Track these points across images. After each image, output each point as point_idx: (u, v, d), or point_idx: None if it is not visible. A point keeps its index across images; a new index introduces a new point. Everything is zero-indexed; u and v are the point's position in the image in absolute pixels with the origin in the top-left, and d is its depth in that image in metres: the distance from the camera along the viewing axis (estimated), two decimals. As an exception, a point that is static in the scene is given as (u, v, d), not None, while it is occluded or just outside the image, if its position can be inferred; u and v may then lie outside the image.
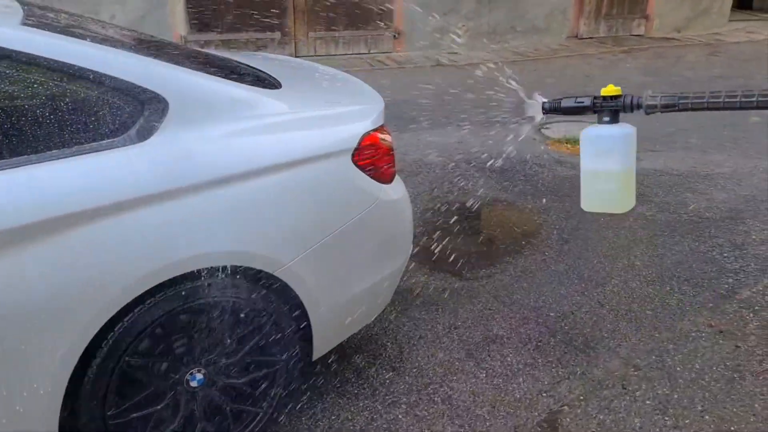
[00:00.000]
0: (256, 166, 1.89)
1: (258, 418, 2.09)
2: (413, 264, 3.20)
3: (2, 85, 1.62)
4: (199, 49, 2.82)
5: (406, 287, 3.09)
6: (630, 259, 3.42)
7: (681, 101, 1.46)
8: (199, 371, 1.92)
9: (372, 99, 2.37)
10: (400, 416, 2.31)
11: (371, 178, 2.14)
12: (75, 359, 1.67)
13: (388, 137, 2.21)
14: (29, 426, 1.67)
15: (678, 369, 2.55)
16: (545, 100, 1.60)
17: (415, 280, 3.20)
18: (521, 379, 2.51)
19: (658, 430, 2.25)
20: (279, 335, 2.01)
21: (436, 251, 3.45)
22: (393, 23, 8.82)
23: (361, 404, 2.36)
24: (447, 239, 3.57)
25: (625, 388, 2.45)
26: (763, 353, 2.63)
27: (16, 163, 1.57)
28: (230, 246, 1.86)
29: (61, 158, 1.62)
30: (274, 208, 1.94)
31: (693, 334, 2.78)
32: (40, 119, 1.63)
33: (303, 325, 2.07)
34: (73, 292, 1.62)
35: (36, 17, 1.89)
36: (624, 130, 1.54)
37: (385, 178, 2.21)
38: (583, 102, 1.55)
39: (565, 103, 1.58)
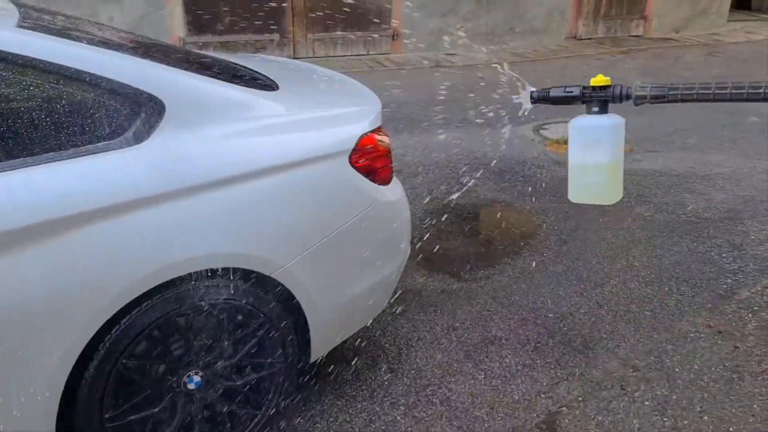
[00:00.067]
0: (254, 167, 1.89)
1: (256, 420, 2.08)
2: (411, 265, 3.19)
3: (-2, 88, 1.62)
4: (196, 51, 2.81)
5: (405, 288, 3.09)
6: (628, 260, 3.42)
7: (671, 92, 1.45)
8: (196, 373, 1.91)
9: (369, 100, 2.37)
10: (398, 418, 2.31)
11: (369, 179, 2.14)
12: (72, 361, 1.66)
13: (385, 138, 2.21)
14: (26, 428, 1.67)
15: (677, 370, 2.55)
16: (533, 89, 1.59)
17: (414, 281, 3.19)
18: (520, 381, 2.51)
19: (656, 430, 2.24)
20: (277, 337, 2.01)
21: (434, 252, 3.45)
22: (391, 25, 8.82)
23: (359, 406, 2.36)
24: (445, 240, 3.57)
25: (624, 389, 2.44)
26: (762, 354, 2.63)
27: (12, 166, 1.56)
28: (227, 248, 1.86)
29: (58, 161, 1.62)
30: (271, 210, 1.94)
31: (692, 334, 2.77)
32: (37, 122, 1.63)
33: (301, 326, 2.07)
34: (70, 294, 1.62)
35: (32, 19, 1.89)
36: (613, 121, 1.54)
37: (382, 180, 2.21)
38: (572, 91, 1.55)
39: (553, 93, 1.57)
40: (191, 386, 1.91)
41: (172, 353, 1.87)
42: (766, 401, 2.37)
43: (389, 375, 2.53)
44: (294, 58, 7.94)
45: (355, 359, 2.58)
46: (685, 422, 2.28)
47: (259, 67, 2.45)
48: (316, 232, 2.02)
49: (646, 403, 2.37)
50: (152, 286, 1.73)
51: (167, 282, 1.76)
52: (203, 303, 1.84)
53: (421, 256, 3.33)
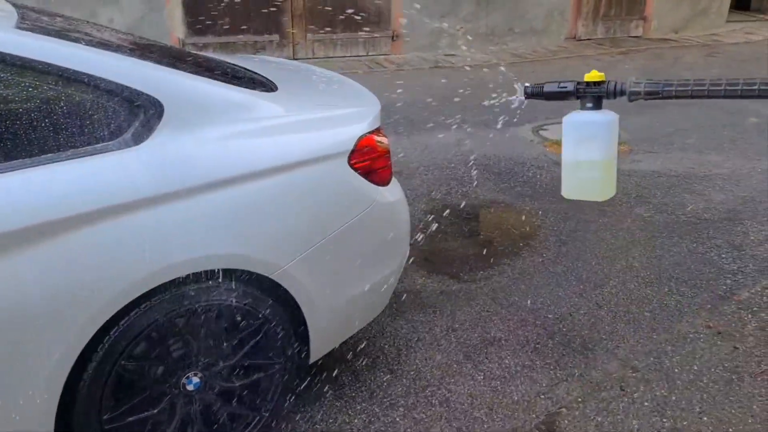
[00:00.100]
0: (253, 169, 1.89)
1: (255, 421, 2.08)
2: (411, 266, 3.19)
3: (-3, 89, 1.62)
4: (195, 52, 2.81)
5: (404, 289, 3.09)
6: (628, 261, 3.42)
7: (665, 88, 1.44)
8: (195, 375, 1.91)
9: (368, 101, 2.37)
10: (397, 419, 2.31)
11: (368, 180, 2.14)
12: (71, 362, 1.67)
13: (384, 139, 2.21)
14: (25, 429, 1.67)
15: (676, 370, 2.55)
16: (527, 84, 1.59)
17: (413, 282, 3.19)
18: (519, 382, 2.50)
19: (656, 431, 2.24)
20: (276, 338, 2.01)
21: (433, 253, 3.45)
22: (391, 25, 8.82)
23: (358, 407, 2.36)
24: (445, 241, 3.57)
25: (624, 390, 2.44)
26: (762, 354, 2.63)
27: (11, 167, 1.56)
28: (226, 249, 1.86)
29: (57, 162, 1.62)
30: (270, 211, 1.94)
31: (691, 335, 2.77)
32: (35, 123, 1.63)
33: (300, 327, 2.06)
34: (69, 296, 1.62)
35: (31, 21, 1.89)
36: (607, 117, 1.53)
37: (381, 181, 2.21)
38: (566, 87, 1.54)
39: (547, 88, 1.56)
40: (190, 387, 1.91)
41: (171, 354, 1.87)
42: (766, 402, 2.36)
43: (388, 376, 2.52)
44: (293, 59, 7.94)
45: (355, 360, 2.58)
46: (685, 423, 2.28)
47: (258, 68, 2.45)
48: (315, 233, 2.02)
49: (646, 403, 2.37)
50: (151, 288, 1.73)
51: (166, 283, 1.75)
52: (202, 304, 1.84)
53: (420, 256, 3.33)
